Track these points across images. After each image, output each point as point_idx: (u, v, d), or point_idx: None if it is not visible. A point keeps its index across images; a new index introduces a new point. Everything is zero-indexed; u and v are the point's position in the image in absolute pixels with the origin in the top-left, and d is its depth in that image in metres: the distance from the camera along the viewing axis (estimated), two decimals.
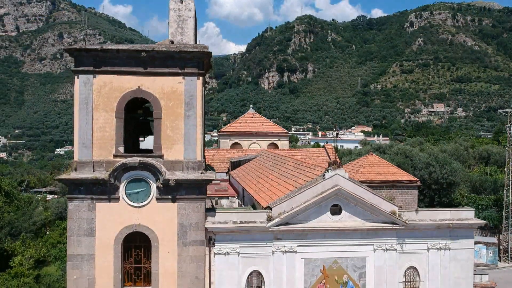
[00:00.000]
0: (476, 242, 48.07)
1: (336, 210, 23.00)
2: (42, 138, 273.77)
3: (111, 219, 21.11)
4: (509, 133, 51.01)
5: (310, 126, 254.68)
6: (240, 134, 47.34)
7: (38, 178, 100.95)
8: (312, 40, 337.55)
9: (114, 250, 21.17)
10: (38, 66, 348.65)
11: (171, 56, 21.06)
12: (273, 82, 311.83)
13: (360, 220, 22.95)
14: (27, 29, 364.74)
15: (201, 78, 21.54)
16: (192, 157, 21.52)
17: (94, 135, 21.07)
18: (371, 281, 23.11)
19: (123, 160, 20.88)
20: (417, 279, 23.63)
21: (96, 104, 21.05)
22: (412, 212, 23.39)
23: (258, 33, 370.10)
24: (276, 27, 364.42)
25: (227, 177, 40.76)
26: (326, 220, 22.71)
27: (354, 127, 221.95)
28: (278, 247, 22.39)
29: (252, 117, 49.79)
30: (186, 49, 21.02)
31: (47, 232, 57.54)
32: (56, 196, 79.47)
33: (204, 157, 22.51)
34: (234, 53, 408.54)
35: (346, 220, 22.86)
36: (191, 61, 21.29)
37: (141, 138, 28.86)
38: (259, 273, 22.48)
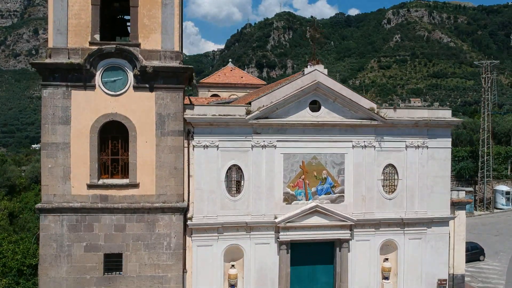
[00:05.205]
0: (453, 190, 48.77)
1: (315, 108, 23.01)
2: (17, 134, 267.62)
3: (87, 108, 20.72)
4: (484, 85, 51.97)
5: None
6: (219, 85, 46.98)
7: (13, 159, 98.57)
8: (291, 36, 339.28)
9: (91, 139, 20.77)
10: (12, 63, 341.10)
11: None
12: None
13: (339, 117, 23.01)
14: (1, 25, 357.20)
15: None
16: (170, 47, 21.28)
17: (69, 21, 20.66)
18: (350, 178, 23.15)
19: (100, 47, 20.53)
20: (396, 177, 23.77)
21: None
22: (390, 110, 23.53)
23: (237, 30, 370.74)
24: (255, 23, 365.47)
25: None
26: (305, 116, 22.70)
27: None
28: (258, 141, 22.27)
29: (231, 70, 49.52)
30: None
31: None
32: None
33: (181, 47, 22.25)
34: (213, 50, 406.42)
35: (325, 116, 22.89)
36: None
37: None
38: (239, 168, 22.33)
